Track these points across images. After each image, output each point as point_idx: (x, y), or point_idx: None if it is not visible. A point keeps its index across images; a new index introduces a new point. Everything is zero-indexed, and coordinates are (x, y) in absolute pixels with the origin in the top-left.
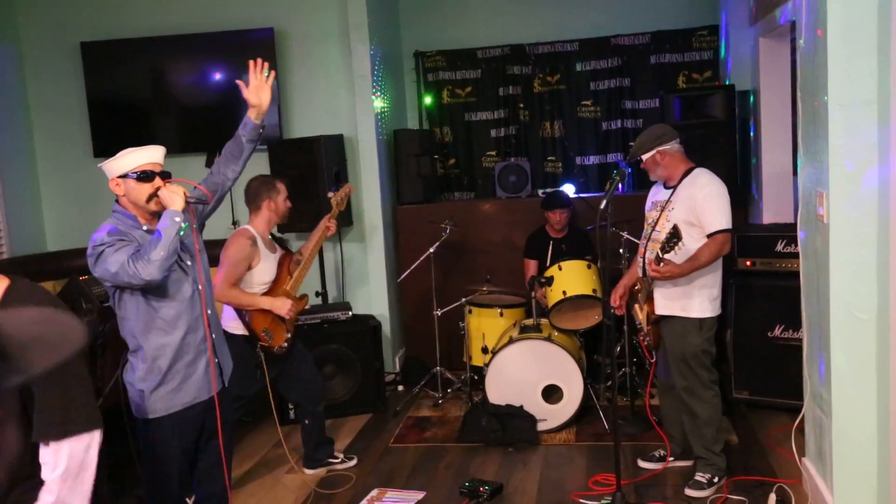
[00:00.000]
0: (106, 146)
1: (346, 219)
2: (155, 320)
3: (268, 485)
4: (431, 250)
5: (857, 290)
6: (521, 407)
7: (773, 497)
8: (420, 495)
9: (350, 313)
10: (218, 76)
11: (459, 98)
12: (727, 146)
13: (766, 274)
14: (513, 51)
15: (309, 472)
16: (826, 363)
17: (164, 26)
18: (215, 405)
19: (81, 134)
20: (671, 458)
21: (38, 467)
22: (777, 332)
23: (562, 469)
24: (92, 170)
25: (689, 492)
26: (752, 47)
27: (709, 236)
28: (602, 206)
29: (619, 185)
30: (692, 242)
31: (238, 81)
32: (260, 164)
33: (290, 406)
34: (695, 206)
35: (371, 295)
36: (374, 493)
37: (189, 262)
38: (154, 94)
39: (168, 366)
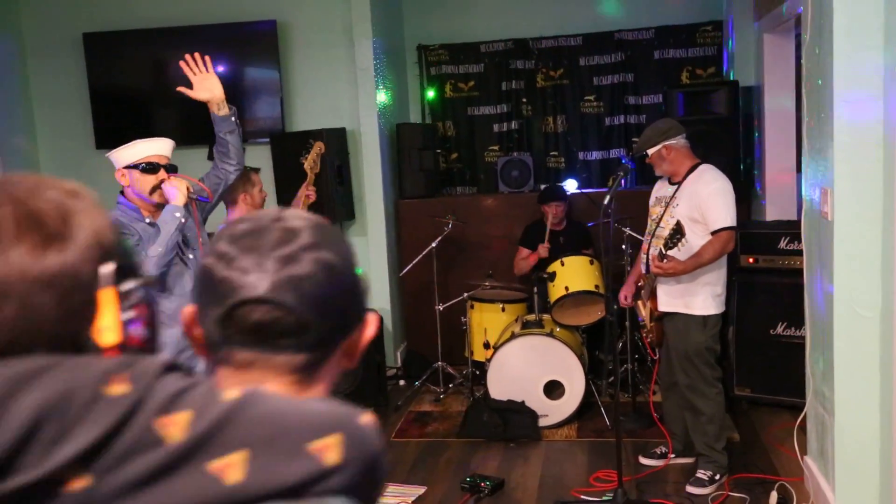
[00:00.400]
0: (108, 138)
1: (348, 212)
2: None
3: None
4: (433, 245)
5: (860, 288)
6: (523, 402)
7: (774, 495)
8: (421, 490)
9: None
10: (220, 68)
11: (462, 92)
12: (731, 142)
13: (768, 271)
14: (516, 45)
15: None
16: (828, 361)
17: (167, 18)
18: None
19: (83, 125)
20: (672, 455)
21: None
22: (779, 329)
23: (563, 465)
24: (94, 161)
25: (690, 489)
26: (757, 43)
27: (713, 233)
28: (605, 202)
29: (622, 181)
30: (696, 239)
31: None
32: (262, 157)
33: None
34: (700, 202)
35: (373, 289)
36: None
37: (191, 256)
38: (156, 85)
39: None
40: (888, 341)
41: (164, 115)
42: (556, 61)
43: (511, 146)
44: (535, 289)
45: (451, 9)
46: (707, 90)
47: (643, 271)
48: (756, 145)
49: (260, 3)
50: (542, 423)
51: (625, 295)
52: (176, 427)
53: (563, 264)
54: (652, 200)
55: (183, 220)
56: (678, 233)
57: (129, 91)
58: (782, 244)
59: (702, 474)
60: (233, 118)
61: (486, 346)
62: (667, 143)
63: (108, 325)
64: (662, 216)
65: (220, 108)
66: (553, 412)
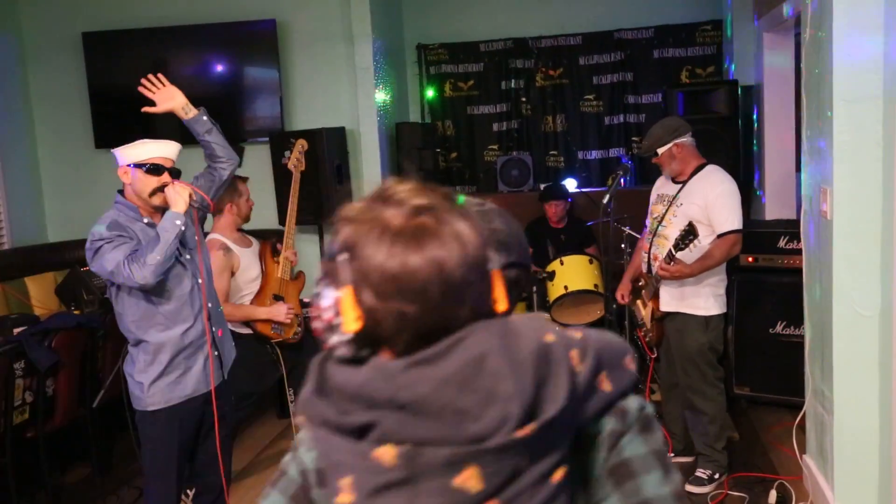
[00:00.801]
0: (107, 137)
1: None
2: (155, 315)
3: (268, 477)
4: None
5: (859, 287)
6: None
7: (773, 494)
8: None
9: None
10: (220, 68)
11: (462, 91)
12: (730, 142)
13: (768, 270)
14: (515, 44)
15: None
16: (828, 360)
17: (167, 17)
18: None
19: (83, 125)
20: (672, 455)
21: None
22: (779, 328)
23: None
24: (93, 161)
25: (689, 487)
26: (756, 42)
27: (720, 236)
28: (605, 201)
29: (622, 180)
30: (701, 240)
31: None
32: (262, 157)
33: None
34: (706, 204)
35: None
36: None
37: (188, 257)
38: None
39: (169, 359)
40: (887, 341)
41: (164, 115)
42: (556, 61)
43: (510, 145)
44: (535, 288)
45: (450, 8)
46: (707, 89)
47: (644, 270)
48: (756, 144)
49: (260, 2)
50: None
51: (622, 293)
52: (583, 365)
53: (562, 263)
54: (653, 198)
55: (183, 228)
56: (691, 233)
57: (129, 91)
58: (782, 243)
59: (701, 473)
60: (204, 118)
61: None
62: (678, 140)
63: (499, 297)
64: (665, 215)
65: (186, 111)
66: None
